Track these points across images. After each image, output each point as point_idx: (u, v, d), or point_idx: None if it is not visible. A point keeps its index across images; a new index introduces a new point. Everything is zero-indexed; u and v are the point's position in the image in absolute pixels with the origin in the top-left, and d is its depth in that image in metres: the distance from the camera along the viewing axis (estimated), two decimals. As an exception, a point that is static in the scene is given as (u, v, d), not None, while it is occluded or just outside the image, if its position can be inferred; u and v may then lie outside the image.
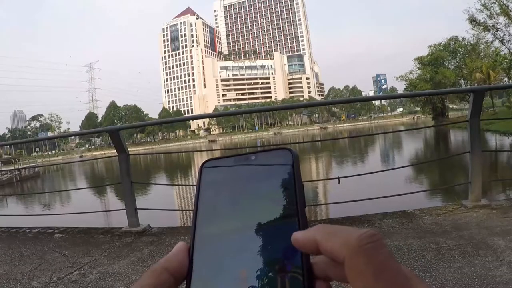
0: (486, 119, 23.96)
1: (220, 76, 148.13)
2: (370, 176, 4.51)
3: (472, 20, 40.03)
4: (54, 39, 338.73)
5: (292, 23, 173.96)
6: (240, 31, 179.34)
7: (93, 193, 18.02)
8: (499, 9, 36.77)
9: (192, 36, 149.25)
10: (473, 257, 2.46)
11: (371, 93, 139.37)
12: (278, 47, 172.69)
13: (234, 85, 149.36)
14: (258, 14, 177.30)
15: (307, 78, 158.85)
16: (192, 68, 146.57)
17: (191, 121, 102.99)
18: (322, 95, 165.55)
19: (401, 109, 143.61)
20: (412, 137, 37.76)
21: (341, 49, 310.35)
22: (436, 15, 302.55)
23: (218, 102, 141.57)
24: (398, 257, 2.61)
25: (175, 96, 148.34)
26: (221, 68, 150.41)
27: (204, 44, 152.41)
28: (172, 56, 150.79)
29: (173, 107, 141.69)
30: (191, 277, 0.29)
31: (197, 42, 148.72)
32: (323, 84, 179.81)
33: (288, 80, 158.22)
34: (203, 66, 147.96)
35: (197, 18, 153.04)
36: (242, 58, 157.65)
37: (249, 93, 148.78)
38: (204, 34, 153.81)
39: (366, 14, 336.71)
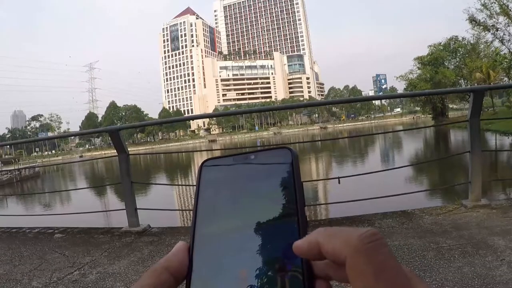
0: (486, 119, 23.99)
1: (220, 76, 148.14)
2: (370, 176, 4.51)
3: (472, 20, 40.03)
4: (54, 39, 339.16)
5: (292, 23, 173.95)
6: (240, 31, 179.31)
7: (93, 193, 18.02)
8: (499, 8, 36.77)
9: (192, 36, 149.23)
10: (473, 257, 2.46)
11: (371, 93, 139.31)
12: (278, 47, 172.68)
13: (234, 85, 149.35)
14: (258, 14, 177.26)
15: (307, 78, 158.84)
16: (192, 68, 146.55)
17: (191, 121, 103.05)
18: (322, 95, 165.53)
19: (398, 110, 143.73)
20: (412, 137, 37.76)
21: (341, 49, 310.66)
22: (436, 15, 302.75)
23: (218, 102, 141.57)
24: (398, 257, 2.61)
25: (175, 96, 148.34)
26: (221, 68, 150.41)
27: (204, 44, 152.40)
28: (172, 56, 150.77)
29: (173, 107, 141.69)
30: (191, 276, 0.29)
31: (197, 42, 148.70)
32: (323, 84, 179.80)
33: (288, 80, 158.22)
34: (203, 66, 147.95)
35: (197, 18, 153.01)
36: (242, 58, 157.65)
37: (249, 93, 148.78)
38: (204, 34, 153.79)
39: (366, 14, 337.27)
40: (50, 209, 15.77)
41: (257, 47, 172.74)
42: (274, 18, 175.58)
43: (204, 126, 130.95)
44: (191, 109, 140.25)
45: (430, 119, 59.31)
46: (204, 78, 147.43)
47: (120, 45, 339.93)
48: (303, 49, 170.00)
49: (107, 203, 16.03)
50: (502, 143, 24.05)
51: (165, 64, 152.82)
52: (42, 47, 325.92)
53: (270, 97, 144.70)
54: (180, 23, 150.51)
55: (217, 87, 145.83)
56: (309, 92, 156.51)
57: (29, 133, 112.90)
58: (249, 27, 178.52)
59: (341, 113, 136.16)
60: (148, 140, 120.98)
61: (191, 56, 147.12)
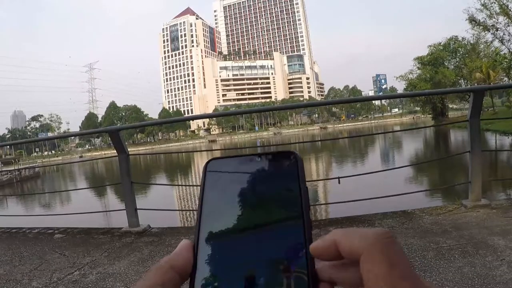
0: (486, 118, 24.01)
1: (220, 76, 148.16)
2: (370, 176, 4.51)
3: (472, 20, 40.06)
4: (54, 39, 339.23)
5: (292, 23, 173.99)
6: (240, 31, 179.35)
7: (93, 194, 18.01)
8: (498, 8, 36.79)
9: (192, 36, 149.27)
10: (473, 257, 2.46)
11: (371, 93, 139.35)
12: (278, 47, 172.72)
13: (234, 85, 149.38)
14: (258, 14, 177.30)
15: (307, 78, 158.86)
16: (192, 68, 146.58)
17: (191, 121, 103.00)
18: (322, 95, 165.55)
19: (396, 110, 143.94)
20: (412, 137, 37.77)
21: (341, 49, 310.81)
22: (436, 15, 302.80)
23: (218, 102, 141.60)
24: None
25: (175, 96, 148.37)
26: (221, 68, 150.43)
27: (204, 44, 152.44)
28: (172, 56, 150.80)
29: (173, 107, 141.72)
30: (195, 275, 0.30)
31: (197, 42, 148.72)
32: (323, 84, 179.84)
33: (288, 80, 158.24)
34: (203, 66, 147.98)
35: (197, 18, 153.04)
36: (242, 58, 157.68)
37: (249, 93, 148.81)
38: (204, 34, 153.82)
39: (366, 14, 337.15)
40: (50, 209, 15.78)
41: (257, 47, 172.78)
42: (274, 18, 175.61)
43: (204, 126, 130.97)
44: (191, 109, 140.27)
45: (430, 119, 59.34)
46: (204, 78, 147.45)
47: (120, 45, 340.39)
48: (303, 49, 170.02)
49: (107, 204, 16.03)
50: (502, 143, 24.06)
51: (165, 64, 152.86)
52: (42, 47, 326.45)
53: (270, 97, 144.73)
54: (180, 23, 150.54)
55: (217, 87, 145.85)
56: (309, 92, 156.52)
57: (29, 133, 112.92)
58: (249, 27, 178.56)
59: (341, 113, 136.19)
60: (148, 140, 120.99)
61: (191, 56, 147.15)
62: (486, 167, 11.26)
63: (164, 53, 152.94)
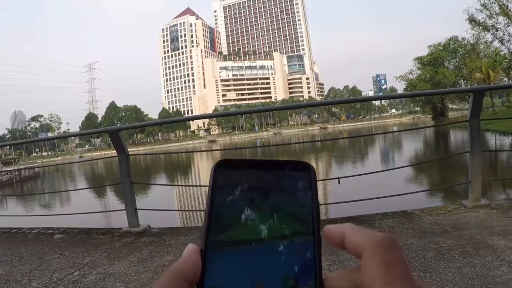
0: (486, 119, 24.02)
1: (220, 76, 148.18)
2: (370, 176, 4.50)
3: (472, 20, 40.08)
4: (54, 39, 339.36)
5: (291, 23, 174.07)
6: (239, 31, 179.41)
7: (93, 194, 18.02)
8: (498, 9, 36.81)
9: (191, 36, 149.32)
10: (473, 257, 2.46)
11: (371, 93, 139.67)
12: (278, 47, 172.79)
13: (234, 85, 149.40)
14: (258, 15, 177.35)
15: (307, 78, 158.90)
16: (192, 68, 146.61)
17: (191, 121, 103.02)
18: (322, 95, 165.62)
19: (393, 110, 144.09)
20: (412, 137, 37.78)
21: (341, 49, 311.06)
22: (436, 15, 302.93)
23: (218, 103, 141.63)
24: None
25: (175, 97, 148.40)
26: (221, 68, 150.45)
27: (204, 45, 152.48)
28: (172, 57, 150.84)
29: (173, 107, 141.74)
30: (204, 284, 0.29)
31: (196, 43, 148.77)
32: (323, 84, 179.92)
33: (288, 80, 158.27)
34: (202, 67, 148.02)
35: (196, 19, 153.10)
36: (242, 59, 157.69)
37: (249, 93, 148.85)
38: (203, 34, 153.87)
39: (366, 14, 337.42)
40: (50, 209, 15.77)
41: (257, 48, 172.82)
42: (274, 19, 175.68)
43: (204, 126, 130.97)
44: (191, 110, 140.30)
45: (430, 119, 59.36)
46: (204, 79, 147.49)
47: (120, 46, 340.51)
48: (303, 49, 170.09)
49: (107, 204, 16.03)
50: (502, 143, 24.07)
51: (165, 64, 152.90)
52: (42, 47, 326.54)
53: (270, 97, 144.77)
54: (180, 23, 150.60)
55: (217, 87, 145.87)
56: (309, 92, 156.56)
57: (29, 133, 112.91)
58: (249, 27, 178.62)
59: (341, 113, 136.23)
60: (148, 140, 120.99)
61: (191, 57, 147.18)
62: (486, 167, 11.26)
63: (164, 53, 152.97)
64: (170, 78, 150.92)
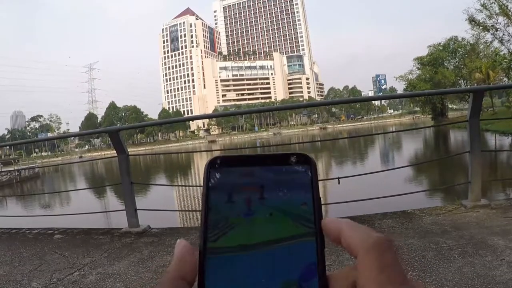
0: (486, 119, 24.06)
1: (219, 77, 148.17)
2: (370, 176, 4.51)
3: (472, 20, 40.10)
4: (54, 39, 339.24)
5: (291, 24, 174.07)
6: (239, 31, 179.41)
7: (93, 194, 18.01)
8: (498, 9, 36.84)
9: (191, 36, 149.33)
10: (473, 257, 2.46)
11: (371, 93, 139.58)
12: (278, 48, 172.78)
13: (234, 85, 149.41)
14: (258, 15, 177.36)
15: (307, 79, 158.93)
16: (192, 68, 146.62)
17: (190, 121, 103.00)
18: (321, 95, 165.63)
19: (391, 111, 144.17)
20: (411, 137, 37.79)
21: (341, 49, 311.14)
22: (436, 15, 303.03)
23: (218, 103, 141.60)
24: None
25: (175, 97, 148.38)
26: (221, 68, 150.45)
27: (204, 45, 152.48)
28: (171, 57, 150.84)
29: (172, 107, 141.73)
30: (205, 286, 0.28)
31: (196, 43, 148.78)
32: (322, 84, 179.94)
33: (288, 80, 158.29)
34: (202, 67, 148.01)
35: (196, 19, 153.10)
36: (242, 59, 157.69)
37: (248, 94, 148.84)
38: (203, 34, 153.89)
39: (366, 14, 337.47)
40: (50, 210, 15.77)
41: (256, 48, 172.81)
42: (274, 19, 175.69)
43: (203, 126, 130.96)
44: (191, 110, 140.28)
45: (430, 120, 59.39)
46: (203, 79, 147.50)
47: (120, 46, 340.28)
48: (303, 49, 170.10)
49: (107, 204, 16.02)
50: (502, 143, 24.09)
51: (165, 64, 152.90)
52: (42, 47, 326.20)
53: (270, 97, 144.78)
54: (180, 23, 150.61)
55: (216, 87, 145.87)
56: (309, 92, 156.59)
57: (28, 133, 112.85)
58: (249, 27, 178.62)
59: (341, 113, 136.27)
60: (148, 140, 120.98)
61: (191, 57, 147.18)
62: (485, 167, 11.27)
63: (164, 53, 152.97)
64: (170, 78, 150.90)
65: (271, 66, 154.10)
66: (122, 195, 4.21)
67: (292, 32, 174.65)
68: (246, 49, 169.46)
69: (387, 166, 19.30)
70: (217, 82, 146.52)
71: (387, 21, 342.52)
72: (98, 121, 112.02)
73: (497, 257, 2.42)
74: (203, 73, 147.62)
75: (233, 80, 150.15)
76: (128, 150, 4.22)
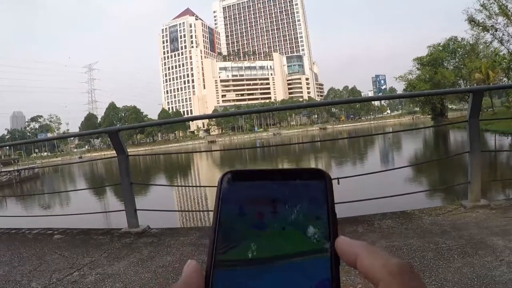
0: (486, 119, 24.05)
1: (219, 77, 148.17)
2: (370, 176, 4.50)
3: (471, 21, 40.13)
4: (54, 40, 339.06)
5: (291, 24, 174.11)
6: (239, 31, 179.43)
7: (92, 194, 18.00)
8: (498, 9, 36.86)
9: (191, 37, 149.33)
10: (473, 257, 2.46)
11: (371, 94, 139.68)
12: (278, 48, 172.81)
13: (234, 85, 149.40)
14: (258, 15, 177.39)
15: (307, 79, 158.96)
16: (192, 68, 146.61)
17: (190, 122, 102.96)
18: (321, 95, 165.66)
19: (389, 111, 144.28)
20: (411, 137, 37.80)
21: (340, 49, 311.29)
22: (436, 15, 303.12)
23: (218, 103, 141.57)
24: (398, 257, 2.61)
25: (175, 97, 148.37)
26: (221, 68, 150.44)
27: (204, 45, 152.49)
28: (171, 57, 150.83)
29: (172, 108, 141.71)
30: None
31: (196, 43, 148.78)
32: (322, 85, 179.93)
33: (288, 80, 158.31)
34: (202, 67, 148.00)
35: (196, 19, 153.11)
36: (242, 59, 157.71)
37: (248, 94, 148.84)
38: (203, 35, 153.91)
39: (366, 14, 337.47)
40: (50, 210, 15.76)
41: (256, 48, 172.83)
42: (274, 19, 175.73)
43: (203, 127, 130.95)
44: (191, 110, 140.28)
45: (430, 120, 59.41)
46: (203, 79, 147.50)
47: (120, 46, 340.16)
48: (303, 49, 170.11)
49: (106, 204, 16.02)
50: (501, 143, 24.10)
51: (165, 65, 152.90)
52: (42, 47, 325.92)
53: (270, 97, 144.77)
54: (180, 24, 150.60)
55: (216, 88, 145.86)
56: (309, 92, 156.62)
57: (28, 134, 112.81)
58: (249, 28, 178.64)
59: (341, 113, 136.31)
60: (148, 141, 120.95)
61: (191, 57, 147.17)
62: (485, 168, 11.28)
63: (164, 53, 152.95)
64: (169, 79, 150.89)
65: (270, 66, 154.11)
66: (122, 195, 4.21)
67: (292, 33, 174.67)
68: (246, 50, 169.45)
69: (386, 166, 19.30)
70: (216, 83, 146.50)
71: (387, 22, 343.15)
72: (98, 122, 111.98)
73: (496, 257, 2.41)
74: (202, 73, 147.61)
75: (233, 80, 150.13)
76: (128, 150, 4.21)
